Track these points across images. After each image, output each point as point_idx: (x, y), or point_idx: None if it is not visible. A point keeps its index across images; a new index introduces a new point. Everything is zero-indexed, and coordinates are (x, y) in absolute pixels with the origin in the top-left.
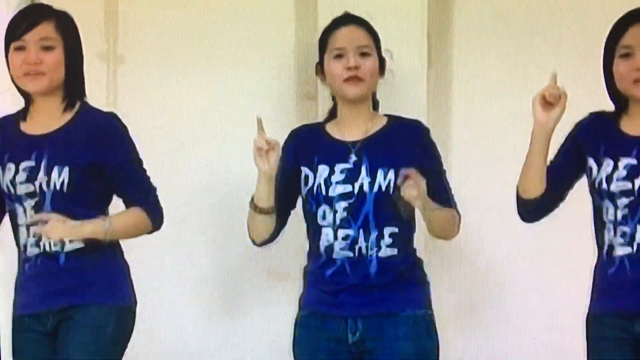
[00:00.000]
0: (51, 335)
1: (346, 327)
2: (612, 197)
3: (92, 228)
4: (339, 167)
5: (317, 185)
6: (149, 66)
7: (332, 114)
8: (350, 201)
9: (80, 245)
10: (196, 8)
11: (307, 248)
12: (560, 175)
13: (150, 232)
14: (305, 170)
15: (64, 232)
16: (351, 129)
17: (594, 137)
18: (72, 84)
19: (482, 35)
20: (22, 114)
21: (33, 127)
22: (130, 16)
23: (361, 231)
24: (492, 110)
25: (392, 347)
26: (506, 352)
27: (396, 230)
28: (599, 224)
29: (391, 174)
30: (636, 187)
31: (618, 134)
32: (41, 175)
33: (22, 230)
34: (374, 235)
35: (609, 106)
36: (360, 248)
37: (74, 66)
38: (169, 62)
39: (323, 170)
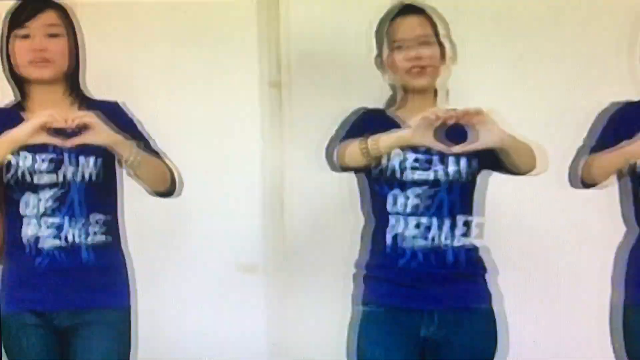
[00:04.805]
0: (60, 333)
1: (421, 320)
2: None
3: (124, 141)
4: (411, 154)
5: (391, 169)
6: None
7: (391, 103)
8: (424, 188)
9: (102, 238)
10: None
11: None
12: None
13: (164, 192)
14: None
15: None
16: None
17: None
18: (76, 74)
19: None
20: (20, 107)
21: None
22: None
23: (434, 219)
24: None
25: (468, 344)
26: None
27: (469, 219)
28: None
29: (463, 162)
30: None
31: None
32: (66, 165)
33: (32, 222)
34: (447, 224)
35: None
36: (433, 237)
37: (77, 56)
38: None
39: (396, 154)
